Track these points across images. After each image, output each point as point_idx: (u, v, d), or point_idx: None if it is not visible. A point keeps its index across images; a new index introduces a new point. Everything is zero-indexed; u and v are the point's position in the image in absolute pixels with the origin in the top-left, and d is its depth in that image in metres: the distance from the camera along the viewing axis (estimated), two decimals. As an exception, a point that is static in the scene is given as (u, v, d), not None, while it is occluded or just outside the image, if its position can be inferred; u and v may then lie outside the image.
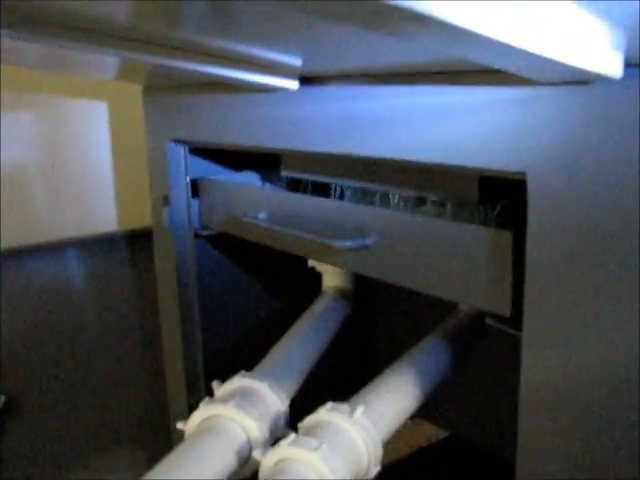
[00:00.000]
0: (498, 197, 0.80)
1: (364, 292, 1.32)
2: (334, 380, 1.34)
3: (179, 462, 0.80)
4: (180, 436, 0.89)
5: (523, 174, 0.59)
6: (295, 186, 1.10)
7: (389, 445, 1.38)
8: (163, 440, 1.38)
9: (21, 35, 0.65)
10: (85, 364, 1.39)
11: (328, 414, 0.81)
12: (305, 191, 1.07)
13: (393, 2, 0.35)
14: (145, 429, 1.48)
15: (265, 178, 1.18)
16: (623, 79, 0.51)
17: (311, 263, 1.20)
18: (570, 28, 0.47)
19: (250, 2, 0.54)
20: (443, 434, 1.45)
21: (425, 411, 1.46)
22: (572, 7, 0.46)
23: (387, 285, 0.84)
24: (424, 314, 1.36)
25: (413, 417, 1.48)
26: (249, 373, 0.95)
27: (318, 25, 0.60)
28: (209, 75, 0.80)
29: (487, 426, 1.34)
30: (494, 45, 0.44)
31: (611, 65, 0.50)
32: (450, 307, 1.11)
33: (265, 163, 1.16)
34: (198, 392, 1.22)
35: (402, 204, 0.91)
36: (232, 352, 1.26)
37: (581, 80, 0.53)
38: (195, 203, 1.15)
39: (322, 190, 1.03)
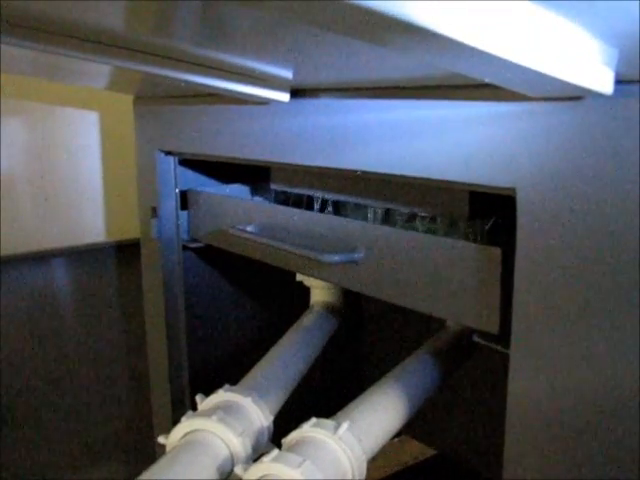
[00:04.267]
0: (490, 213, 0.80)
1: (352, 307, 1.31)
2: (321, 395, 1.33)
3: (159, 477, 0.78)
4: (163, 450, 0.88)
5: (513, 189, 0.59)
6: (285, 200, 1.10)
7: (376, 463, 1.38)
8: (148, 455, 1.36)
9: (13, 41, 0.65)
10: (70, 375, 1.38)
11: (312, 430, 0.80)
12: (294, 205, 1.06)
13: (382, 8, 0.34)
14: (130, 443, 1.46)
15: (255, 191, 1.17)
16: (614, 95, 0.50)
17: (299, 277, 1.20)
18: (562, 43, 0.47)
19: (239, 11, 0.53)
20: (430, 452, 1.44)
21: (412, 429, 1.45)
22: (564, 23, 0.46)
23: (376, 300, 0.83)
24: (413, 329, 1.36)
25: (400, 435, 1.49)
26: (233, 387, 0.94)
27: (309, 37, 0.59)
28: (200, 86, 0.79)
29: (474, 445, 1.33)
30: (486, 58, 0.44)
31: (602, 81, 0.50)
32: (439, 323, 1.10)
33: (255, 176, 1.15)
34: (183, 406, 1.21)
35: (393, 219, 0.91)
36: (218, 366, 1.25)
37: (572, 96, 0.53)
38: (184, 215, 1.14)
39: (312, 204, 1.02)
